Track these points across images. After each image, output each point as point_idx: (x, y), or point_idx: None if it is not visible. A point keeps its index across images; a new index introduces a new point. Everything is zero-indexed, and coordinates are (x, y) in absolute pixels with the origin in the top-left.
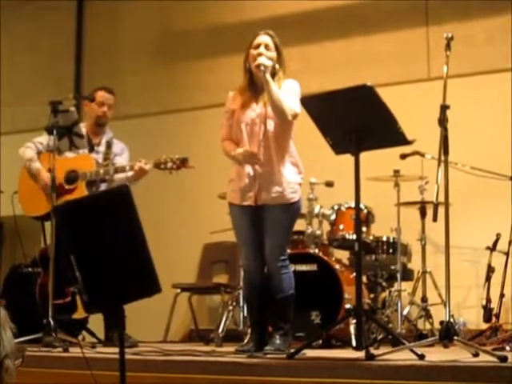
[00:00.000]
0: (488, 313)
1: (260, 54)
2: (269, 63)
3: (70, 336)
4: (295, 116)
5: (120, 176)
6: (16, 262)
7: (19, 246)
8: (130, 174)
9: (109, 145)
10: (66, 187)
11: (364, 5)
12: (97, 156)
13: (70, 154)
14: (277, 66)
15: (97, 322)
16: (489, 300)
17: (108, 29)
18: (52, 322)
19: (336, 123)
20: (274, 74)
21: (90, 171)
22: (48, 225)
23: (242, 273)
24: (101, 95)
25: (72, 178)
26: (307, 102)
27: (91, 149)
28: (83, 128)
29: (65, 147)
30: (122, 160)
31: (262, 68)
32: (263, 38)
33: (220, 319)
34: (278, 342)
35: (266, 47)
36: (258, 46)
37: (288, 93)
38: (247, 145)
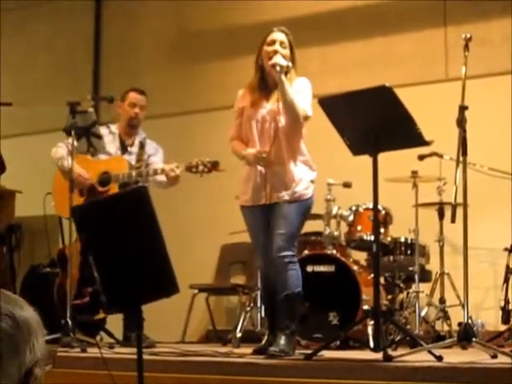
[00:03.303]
0: (506, 314)
1: (276, 52)
2: (284, 63)
3: (87, 336)
4: (306, 118)
5: (154, 178)
6: (34, 263)
7: (37, 247)
8: (163, 178)
9: (142, 145)
10: (99, 189)
11: (382, 5)
12: (130, 157)
13: (103, 156)
14: (289, 64)
15: (115, 323)
16: (507, 301)
17: (126, 29)
18: (70, 323)
19: (354, 124)
20: (286, 73)
21: (122, 173)
22: (66, 225)
23: (259, 274)
24: (132, 96)
25: (105, 180)
26: (325, 102)
27: (124, 150)
28: (115, 129)
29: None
30: (156, 159)
31: (278, 68)
32: (278, 35)
33: (237, 320)
34: (282, 342)
35: (281, 44)
36: (272, 43)
37: (300, 94)
38: (257, 143)
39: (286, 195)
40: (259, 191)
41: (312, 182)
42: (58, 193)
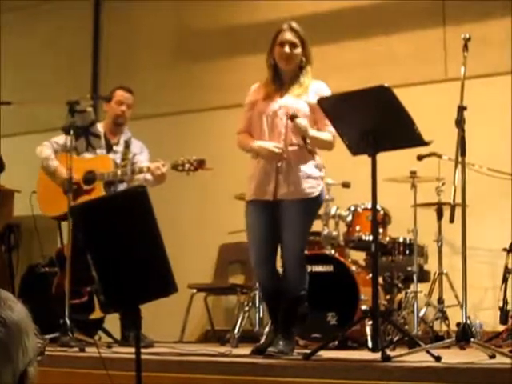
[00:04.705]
0: (504, 315)
1: (287, 54)
2: (303, 126)
3: (86, 336)
4: (335, 138)
5: (139, 177)
6: (33, 262)
7: (36, 246)
8: (149, 176)
9: (127, 144)
10: (84, 188)
11: (381, 5)
12: (115, 156)
13: (88, 155)
14: (303, 59)
15: (113, 322)
16: (505, 302)
17: (125, 29)
18: (68, 322)
19: (353, 124)
20: (301, 68)
21: (107, 172)
22: (64, 225)
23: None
24: (120, 94)
25: (90, 178)
26: (324, 102)
27: (109, 148)
28: (101, 127)
29: (82, 147)
30: (142, 158)
31: (301, 128)
32: (288, 36)
33: (236, 320)
34: (281, 343)
35: (291, 46)
36: (282, 44)
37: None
38: (267, 137)
39: (292, 192)
40: (265, 187)
41: (321, 178)
42: (44, 192)
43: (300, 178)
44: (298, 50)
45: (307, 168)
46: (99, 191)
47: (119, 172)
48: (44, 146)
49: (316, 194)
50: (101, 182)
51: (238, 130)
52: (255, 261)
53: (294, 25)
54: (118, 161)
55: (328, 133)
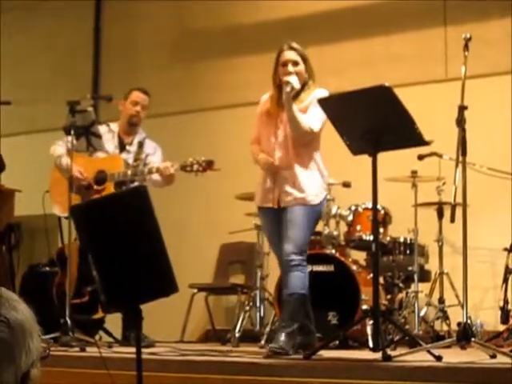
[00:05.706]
0: (505, 314)
1: (290, 74)
2: (297, 86)
3: (87, 336)
4: (312, 133)
5: (150, 177)
6: (33, 262)
7: (36, 246)
8: (158, 177)
9: (140, 145)
10: (95, 188)
11: (381, 5)
12: (127, 156)
13: (100, 155)
14: (306, 75)
15: (114, 322)
16: (506, 301)
17: (126, 28)
18: (69, 322)
19: (353, 123)
20: (304, 84)
21: (118, 172)
22: (65, 224)
23: (258, 273)
24: (135, 95)
25: (101, 178)
26: (325, 102)
27: (122, 148)
28: (115, 127)
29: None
30: (155, 159)
31: (289, 89)
32: (289, 55)
33: (236, 319)
34: (282, 339)
35: (294, 64)
36: (285, 64)
37: (312, 109)
38: (268, 148)
39: (293, 200)
40: (268, 194)
41: (323, 188)
42: (55, 191)
43: (299, 186)
44: (301, 67)
45: (307, 177)
46: (109, 191)
47: (129, 172)
48: (58, 145)
49: (316, 201)
50: (111, 182)
51: (250, 139)
52: (278, 260)
53: (293, 44)
54: (131, 161)
55: (308, 120)
